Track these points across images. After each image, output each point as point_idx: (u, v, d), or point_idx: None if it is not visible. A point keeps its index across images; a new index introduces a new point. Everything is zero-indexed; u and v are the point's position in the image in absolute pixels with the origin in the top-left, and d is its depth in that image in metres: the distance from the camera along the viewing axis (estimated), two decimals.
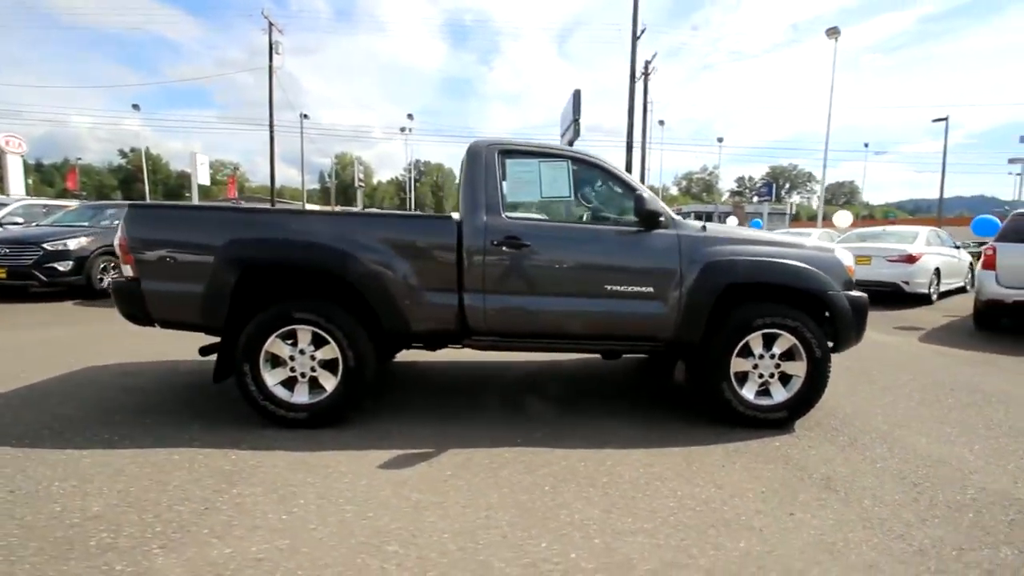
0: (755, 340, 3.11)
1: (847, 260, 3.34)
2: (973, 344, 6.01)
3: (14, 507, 2.12)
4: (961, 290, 10.93)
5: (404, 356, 4.24)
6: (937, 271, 9.38)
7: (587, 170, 3.35)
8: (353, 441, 2.86)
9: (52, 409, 3.23)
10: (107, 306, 7.39)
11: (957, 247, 11.09)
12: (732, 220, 32.86)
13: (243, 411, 3.06)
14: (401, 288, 3.00)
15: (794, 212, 53.88)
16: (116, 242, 3.06)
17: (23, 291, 8.14)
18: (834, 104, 23.07)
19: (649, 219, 3.11)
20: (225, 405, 3.33)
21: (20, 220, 9.82)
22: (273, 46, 26.74)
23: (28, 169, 29.81)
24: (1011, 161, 27.55)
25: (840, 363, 3.93)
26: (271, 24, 26.50)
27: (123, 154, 65.46)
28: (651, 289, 3.09)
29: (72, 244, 7.91)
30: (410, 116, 44.77)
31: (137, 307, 3.03)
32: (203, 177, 26.22)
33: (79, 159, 58.49)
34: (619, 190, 3.33)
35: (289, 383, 3.02)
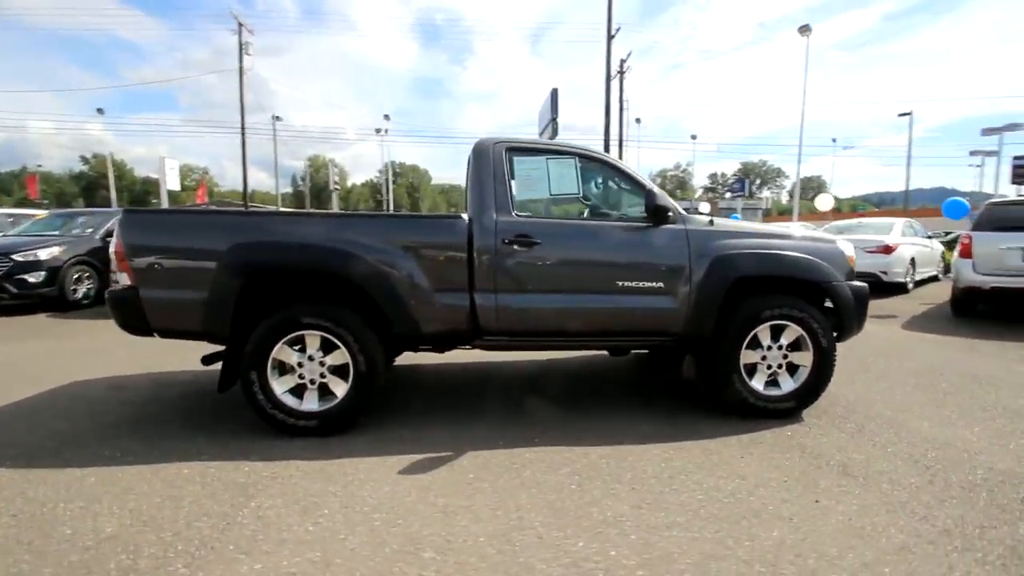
0: (763, 332, 3.15)
1: (848, 251, 3.41)
2: (952, 330, 6.22)
3: (20, 531, 2.00)
4: (934, 279, 11.33)
5: (400, 359, 4.17)
6: (912, 261, 9.71)
7: (595, 166, 3.35)
8: (366, 447, 2.80)
9: (44, 426, 3.08)
10: (82, 318, 7.10)
11: (929, 237, 11.49)
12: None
13: (245, 420, 2.97)
14: (412, 290, 2.95)
15: (767, 207, 55.10)
16: (112, 249, 2.93)
17: None
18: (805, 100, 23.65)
19: (658, 214, 3.12)
20: (224, 415, 3.23)
21: None
22: (243, 47, 26.13)
23: None
24: (972, 153, 28.65)
25: None
26: (241, 25, 25.90)
27: (85, 160, 62.89)
28: (661, 284, 3.10)
29: (43, 254, 7.57)
30: (387, 117, 44.57)
31: (135, 317, 2.90)
32: (173, 182, 25.37)
33: (39, 166, 56.18)
34: (627, 186, 3.34)
35: (298, 391, 2.93)
